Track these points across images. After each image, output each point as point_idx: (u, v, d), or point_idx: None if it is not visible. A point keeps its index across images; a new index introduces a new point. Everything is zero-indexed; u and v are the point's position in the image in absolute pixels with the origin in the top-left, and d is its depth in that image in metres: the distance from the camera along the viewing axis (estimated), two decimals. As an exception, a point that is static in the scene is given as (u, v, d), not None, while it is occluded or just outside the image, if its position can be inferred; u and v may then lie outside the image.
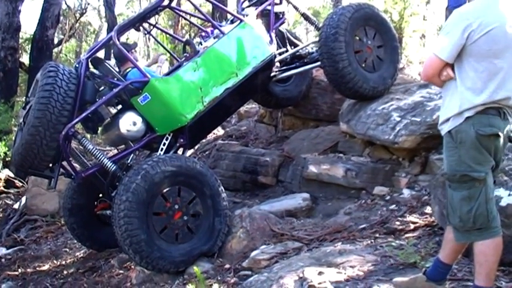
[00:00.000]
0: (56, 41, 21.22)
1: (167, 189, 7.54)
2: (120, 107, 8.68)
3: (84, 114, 7.95)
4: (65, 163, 8.32)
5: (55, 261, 9.86)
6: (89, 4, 28.94)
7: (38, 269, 9.67)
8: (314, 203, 8.95)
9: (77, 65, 8.46)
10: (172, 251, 7.41)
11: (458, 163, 4.35)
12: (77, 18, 24.30)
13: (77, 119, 7.88)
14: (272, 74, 9.86)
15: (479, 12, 4.28)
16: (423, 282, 4.81)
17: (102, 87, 8.41)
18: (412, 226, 6.85)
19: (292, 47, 10.61)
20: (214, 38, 9.31)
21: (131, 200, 7.20)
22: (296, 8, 10.77)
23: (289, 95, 11.18)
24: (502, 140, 4.37)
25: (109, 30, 23.00)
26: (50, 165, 8.20)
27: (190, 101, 8.44)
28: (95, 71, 8.68)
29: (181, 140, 8.64)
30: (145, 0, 39.20)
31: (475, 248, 4.36)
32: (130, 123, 8.17)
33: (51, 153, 7.81)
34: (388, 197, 8.13)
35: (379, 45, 9.59)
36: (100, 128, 8.88)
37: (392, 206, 7.76)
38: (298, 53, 10.40)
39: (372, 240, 6.67)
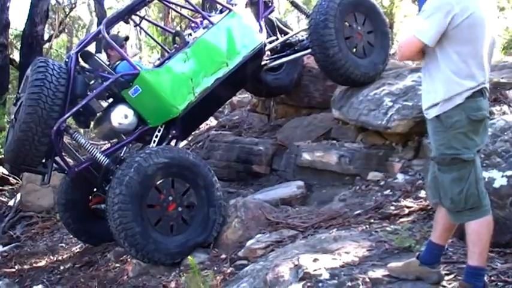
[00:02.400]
0: (46, 36, 21.19)
1: (160, 181, 7.52)
2: (111, 100, 8.60)
3: (75, 109, 7.92)
4: (58, 158, 8.25)
5: (51, 257, 9.84)
6: (78, -2, 28.88)
7: (34, 265, 9.65)
8: (309, 191, 8.97)
9: (67, 60, 8.40)
10: (168, 242, 7.40)
11: (447, 147, 4.35)
12: (67, 13, 24.24)
13: (68, 114, 7.84)
14: (263, 63, 9.86)
15: None
16: (417, 266, 4.81)
17: (93, 81, 8.33)
18: (406, 211, 6.86)
19: (283, 35, 10.59)
20: (203, 28, 9.27)
21: (125, 193, 7.17)
22: None
23: (281, 83, 11.19)
24: (488, 119, 4.42)
25: (99, 24, 22.91)
26: (43, 160, 8.15)
27: (181, 92, 8.42)
28: (85, 65, 8.61)
29: (174, 132, 8.63)
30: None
31: (468, 228, 4.36)
32: (122, 116, 8.16)
33: (43, 148, 7.77)
34: (382, 183, 8.15)
35: (369, 31, 9.61)
36: (92, 122, 8.84)
37: (387, 191, 7.78)
38: (288, 41, 10.41)
39: (367, 226, 6.67)
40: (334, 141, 9.56)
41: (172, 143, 8.83)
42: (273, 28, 10.68)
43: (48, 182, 8.38)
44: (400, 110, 8.32)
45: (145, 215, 7.35)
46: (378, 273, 5.07)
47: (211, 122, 13.89)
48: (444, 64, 4.35)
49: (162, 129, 8.51)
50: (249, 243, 7.01)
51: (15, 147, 7.72)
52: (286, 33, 10.72)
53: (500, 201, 5.27)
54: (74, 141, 8.43)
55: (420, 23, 4.40)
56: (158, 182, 7.52)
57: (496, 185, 5.41)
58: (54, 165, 8.34)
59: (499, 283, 4.72)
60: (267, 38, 9.95)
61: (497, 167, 5.58)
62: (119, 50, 8.43)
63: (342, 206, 7.77)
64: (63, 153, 8.22)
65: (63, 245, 10.50)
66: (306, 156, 9.31)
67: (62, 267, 9.08)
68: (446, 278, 4.83)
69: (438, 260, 4.80)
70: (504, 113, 8.04)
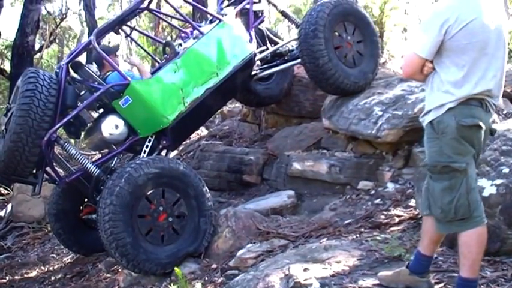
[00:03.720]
0: (37, 46, 21.17)
1: (151, 191, 7.53)
2: (101, 110, 8.66)
3: (65, 119, 7.95)
4: (48, 169, 8.29)
5: (42, 268, 9.85)
6: (69, 9, 28.83)
7: (25, 275, 9.65)
8: (299, 200, 8.98)
9: (57, 70, 8.42)
10: (159, 252, 7.40)
11: (439, 154, 4.36)
12: (57, 23, 24.22)
13: (58, 124, 7.87)
14: (253, 73, 9.85)
15: (455, 7, 4.30)
16: (406, 275, 4.82)
17: (83, 92, 8.35)
18: (397, 219, 6.88)
19: (273, 45, 10.61)
20: (194, 38, 9.31)
21: (115, 203, 7.17)
22: (275, 6, 10.75)
23: (271, 93, 11.21)
24: (483, 131, 4.39)
25: (89, 34, 22.91)
26: (34, 171, 8.14)
27: (172, 102, 8.46)
28: (75, 75, 8.61)
29: (164, 142, 8.66)
30: (126, 3, 39.13)
31: (459, 239, 4.37)
32: (112, 126, 8.20)
33: (34, 159, 7.79)
34: (372, 192, 8.16)
35: (359, 40, 9.63)
36: (83, 133, 8.87)
37: (377, 200, 7.79)
38: (278, 51, 10.41)
39: (357, 235, 6.68)
40: (325, 151, 9.58)
41: (163, 153, 8.81)
42: (263, 38, 10.71)
43: (39, 193, 8.37)
44: (390, 119, 8.35)
45: (136, 225, 7.36)
46: (368, 282, 5.09)
47: (202, 131, 13.89)
48: (442, 74, 4.36)
49: (152, 140, 8.54)
50: (239, 253, 7.01)
51: (5, 157, 7.70)
52: (276, 43, 10.74)
53: (489, 210, 5.28)
54: (64, 152, 8.39)
55: (418, 38, 4.42)
56: (149, 192, 7.52)
57: (486, 193, 5.43)
58: (45, 175, 8.32)
59: (489, 292, 4.75)
60: (257, 48, 9.99)
61: (486, 176, 5.60)
62: (109, 60, 8.43)
63: (333, 215, 7.78)
64: (54, 164, 8.25)
65: (54, 255, 10.49)
66: (297, 165, 9.32)
67: (53, 278, 9.09)
68: (436, 286, 4.85)
69: (427, 269, 4.81)
70: (493, 122, 8.08)
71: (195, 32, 9.43)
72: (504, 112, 8.71)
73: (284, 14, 11.22)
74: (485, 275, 4.96)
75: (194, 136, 13.05)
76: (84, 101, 8.13)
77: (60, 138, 8.04)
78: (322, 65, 9.04)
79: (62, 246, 10.09)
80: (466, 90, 4.27)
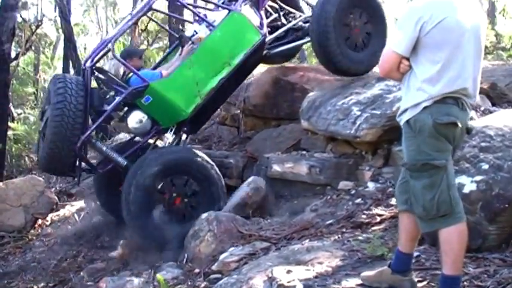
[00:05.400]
0: (13, 54, 21.01)
1: (161, 184, 8.59)
2: (126, 108, 9.50)
3: (94, 126, 9.12)
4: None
5: (24, 277, 9.77)
6: (44, 16, 28.64)
7: (7, 285, 9.58)
8: (281, 201, 9.11)
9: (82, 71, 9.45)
10: (187, 226, 8.16)
11: (418, 152, 4.36)
12: (33, 30, 24.05)
13: (88, 131, 8.90)
14: (264, 52, 10.32)
15: (431, 5, 4.32)
16: (389, 275, 4.83)
17: (107, 95, 9.44)
18: (378, 219, 6.89)
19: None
20: (207, 26, 9.72)
21: (133, 209, 8.38)
22: None
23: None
24: (459, 129, 4.40)
25: (65, 40, 22.85)
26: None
27: (188, 96, 9.23)
28: (100, 75, 9.70)
29: (185, 129, 9.77)
30: (102, 8, 39.02)
31: (440, 237, 4.37)
32: (137, 120, 9.09)
33: (70, 160, 8.94)
34: (353, 191, 8.17)
35: (366, 22, 10.00)
36: (115, 120, 10.44)
37: (358, 200, 7.79)
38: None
39: (339, 236, 6.68)
40: (304, 152, 9.59)
41: (184, 136, 10.03)
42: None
43: (78, 184, 10.07)
44: (368, 118, 8.38)
45: (157, 215, 8.51)
46: (352, 282, 5.10)
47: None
48: (418, 71, 4.37)
49: (174, 128, 9.48)
50: (222, 256, 6.98)
51: (45, 162, 8.92)
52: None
53: (470, 206, 5.31)
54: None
55: (394, 35, 4.44)
56: (159, 186, 8.57)
57: (466, 190, 5.45)
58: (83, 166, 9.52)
59: (471, 288, 4.76)
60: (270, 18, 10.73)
61: (466, 173, 5.62)
62: (127, 66, 9.19)
63: (314, 216, 7.77)
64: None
65: (36, 264, 10.40)
66: (276, 167, 9.32)
67: (35, 287, 9.01)
68: (419, 284, 4.86)
69: (409, 267, 4.82)
70: (471, 118, 8.11)
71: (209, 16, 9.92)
72: (482, 109, 8.74)
73: None
74: (468, 271, 4.97)
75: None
76: (111, 105, 8.99)
77: (92, 138, 9.23)
78: (330, 51, 9.50)
79: (44, 255, 10.18)
80: (441, 88, 4.28)
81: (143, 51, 10.22)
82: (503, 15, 22.02)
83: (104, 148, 9.34)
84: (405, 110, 4.46)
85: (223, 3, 10.28)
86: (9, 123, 17.36)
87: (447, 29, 4.26)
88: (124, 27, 9.74)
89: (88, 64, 9.37)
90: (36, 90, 27.93)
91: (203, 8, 10.47)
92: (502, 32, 22.95)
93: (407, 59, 4.43)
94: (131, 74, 9.28)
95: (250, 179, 9.09)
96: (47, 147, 8.62)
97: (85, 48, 33.22)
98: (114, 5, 38.95)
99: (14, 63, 21.26)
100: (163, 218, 8.49)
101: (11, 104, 18.69)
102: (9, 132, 17.00)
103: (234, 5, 9.89)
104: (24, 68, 28.97)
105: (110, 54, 9.87)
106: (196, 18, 10.53)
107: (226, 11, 9.73)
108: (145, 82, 8.89)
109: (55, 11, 28.77)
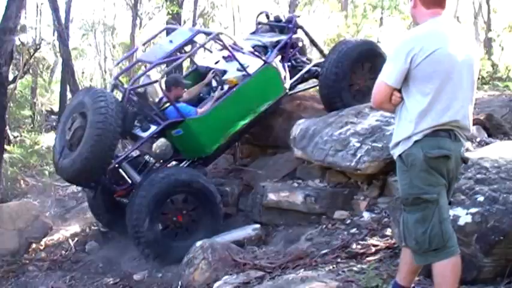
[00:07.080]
0: (10, 77, 21.03)
1: (162, 205, 8.99)
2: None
3: (129, 151, 9.68)
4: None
5: (16, 302, 9.73)
6: (42, 39, 28.64)
7: (-1, 310, 9.54)
8: (267, 233, 9.15)
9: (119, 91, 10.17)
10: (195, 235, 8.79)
11: (410, 186, 4.39)
12: (31, 53, 24.09)
13: (123, 156, 9.52)
14: None
15: (421, 37, 4.37)
16: (384, 306, 4.83)
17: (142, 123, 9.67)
18: (373, 249, 6.87)
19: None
20: (239, 70, 10.10)
21: (141, 228, 8.72)
22: (307, 35, 11.62)
23: None
24: (453, 161, 4.41)
25: (63, 64, 22.90)
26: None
27: (216, 137, 9.79)
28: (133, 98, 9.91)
29: (200, 161, 10.09)
30: (100, 33, 39.08)
31: (434, 269, 4.38)
32: (163, 148, 9.32)
33: (99, 177, 9.29)
34: (348, 221, 8.17)
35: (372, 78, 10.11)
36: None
37: (353, 230, 7.79)
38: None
39: (334, 266, 6.65)
40: (300, 181, 9.59)
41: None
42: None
43: (94, 196, 9.99)
44: (369, 151, 8.39)
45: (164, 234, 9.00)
46: (346, 314, 5.08)
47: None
48: (409, 103, 4.40)
49: (190, 160, 10.02)
50: (216, 285, 6.95)
51: (72, 173, 9.07)
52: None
53: (465, 238, 5.30)
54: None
55: (386, 67, 4.46)
56: (162, 206, 8.96)
57: (461, 222, 5.44)
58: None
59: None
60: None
61: (461, 205, 5.62)
62: (168, 97, 9.52)
63: (309, 245, 7.76)
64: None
65: (29, 288, 10.36)
66: (272, 196, 9.30)
67: (27, 311, 8.98)
68: (414, 317, 4.85)
69: (405, 300, 4.81)
70: (467, 150, 8.12)
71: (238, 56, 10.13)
72: (478, 140, 8.76)
73: (314, 43, 12.07)
74: (461, 303, 4.97)
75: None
76: (148, 133, 9.41)
77: (122, 160, 9.47)
78: (334, 102, 10.22)
79: (37, 279, 10.09)
80: (431, 121, 4.31)
81: (185, 84, 10.38)
82: (499, 45, 22.11)
83: (130, 170, 9.59)
84: (397, 143, 4.49)
85: (253, 46, 10.68)
86: (5, 146, 17.32)
87: (437, 61, 4.29)
88: (166, 55, 9.93)
89: (128, 87, 9.79)
90: (33, 113, 27.84)
91: (237, 49, 10.46)
92: (498, 62, 23.06)
93: (399, 91, 4.46)
94: (168, 103, 9.66)
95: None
96: (79, 162, 8.80)
97: (83, 72, 33.23)
98: (113, 29, 38.98)
99: (11, 86, 21.27)
100: (170, 236, 9.02)
101: (7, 126, 18.62)
102: (5, 155, 16.95)
103: (269, 57, 10.36)
104: (21, 91, 28.95)
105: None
106: (226, 55, 10.77)
107: (260, 61, 10.12)
108: (182, 117, 9.33)
109: (53, 35, 28.80)
